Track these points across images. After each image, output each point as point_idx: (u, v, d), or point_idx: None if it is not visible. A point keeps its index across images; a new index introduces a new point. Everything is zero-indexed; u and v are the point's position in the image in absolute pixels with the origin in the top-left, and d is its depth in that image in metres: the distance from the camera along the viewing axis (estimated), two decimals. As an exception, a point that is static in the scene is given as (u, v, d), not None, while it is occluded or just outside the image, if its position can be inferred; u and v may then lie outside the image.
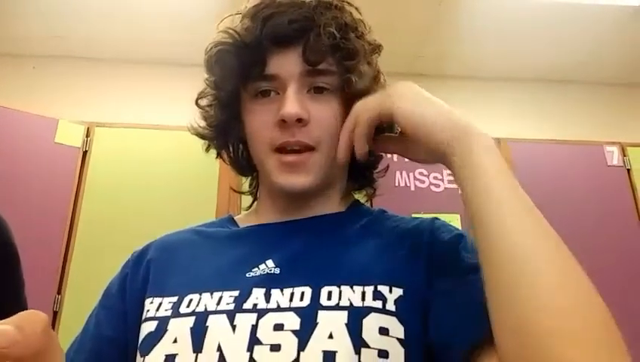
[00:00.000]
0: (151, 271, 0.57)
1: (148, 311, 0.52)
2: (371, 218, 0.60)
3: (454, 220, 2.07)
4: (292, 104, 0.52)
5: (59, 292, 1.98)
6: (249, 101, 0.57)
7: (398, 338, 0.44)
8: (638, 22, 2.38)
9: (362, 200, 0.67)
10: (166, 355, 0.46)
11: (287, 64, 0.54)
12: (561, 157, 2.31)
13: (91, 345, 0.55)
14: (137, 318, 0.53)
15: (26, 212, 1.97)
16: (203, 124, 0.64)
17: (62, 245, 2.03)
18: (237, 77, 0.56)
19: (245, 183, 0.70)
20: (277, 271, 0.51)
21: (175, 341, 0.47)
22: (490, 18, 2.40)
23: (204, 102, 0.63)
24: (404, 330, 0.45)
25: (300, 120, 0.53)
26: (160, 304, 0.52)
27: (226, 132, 0.63)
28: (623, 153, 2.34)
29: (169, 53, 2.63)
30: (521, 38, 2.57)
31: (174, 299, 0.52)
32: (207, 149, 0.66)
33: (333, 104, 0.56)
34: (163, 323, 0.49)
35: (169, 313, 0.50)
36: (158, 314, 0.51)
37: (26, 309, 0.80)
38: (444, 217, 0.60)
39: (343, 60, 0.55)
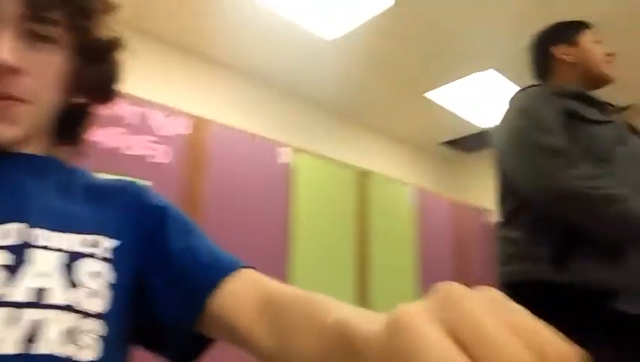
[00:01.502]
0: None
1: None
2: (71, 171, 0.58)
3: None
4: (7, 51, 0.46)
5: None
6: None
7: (109, 283, 0.47)
8: (331, 52, 2.96)
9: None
10: None
11: (3, 2, 0.47)
12: (248, 147, 2.63)
13: None
14: None
15: None
16: None
17: None
18: None
19: None
20: None
21: None
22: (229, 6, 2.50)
23: None
24: (117, 277, 0.48)
25: (13, 70, 0.47)
26: None
27: None
28: (292, 156, 2.87)
29: None
30: (252, 36, 2.79)
31: None
32: None
33: (57, 59, 0.52)
34: None
35: None
36: None
37: None
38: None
39: (74, 14, 0.52)
